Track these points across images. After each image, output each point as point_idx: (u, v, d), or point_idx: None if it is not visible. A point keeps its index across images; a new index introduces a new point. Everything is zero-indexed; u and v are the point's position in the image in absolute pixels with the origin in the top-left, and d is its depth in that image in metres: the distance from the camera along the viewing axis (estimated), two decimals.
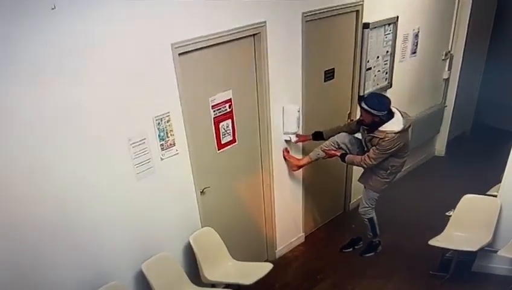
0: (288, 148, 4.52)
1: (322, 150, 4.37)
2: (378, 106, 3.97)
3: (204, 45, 3.44)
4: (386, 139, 4.01)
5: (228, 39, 3.58)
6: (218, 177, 4.03)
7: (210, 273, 3.79)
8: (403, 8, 5.20)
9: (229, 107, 3.87)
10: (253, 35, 3.80)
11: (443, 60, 6.27)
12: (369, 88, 5.13)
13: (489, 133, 7.11)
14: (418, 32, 5.59)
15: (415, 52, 5.68)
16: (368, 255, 4.88)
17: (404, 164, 4.43)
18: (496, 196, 4.25)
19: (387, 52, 5.22)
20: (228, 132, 3.95)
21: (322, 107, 4.75)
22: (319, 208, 5.33)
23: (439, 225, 4.38)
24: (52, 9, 2.56)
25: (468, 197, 4.34)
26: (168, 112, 3.38)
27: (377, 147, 4.08)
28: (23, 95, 2.60)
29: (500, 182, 4.21)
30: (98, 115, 2.99)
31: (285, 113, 4.30)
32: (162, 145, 3.41)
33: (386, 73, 5.34)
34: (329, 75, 4.71)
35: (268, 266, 3.85)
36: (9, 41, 2.47)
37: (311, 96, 4.52)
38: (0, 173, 2.63)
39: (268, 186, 4.50)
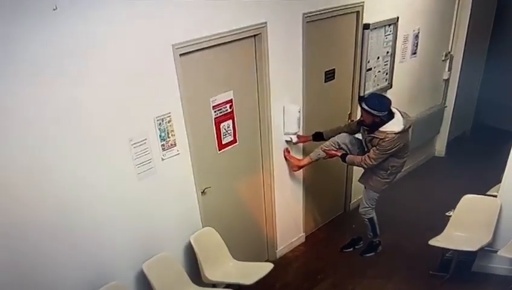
0: (289, 149, 4.53)
1: (323, 150, 4.38)
2: (378, 107, 3.98)
3: (205, 46, 3.45)
4: (386, 139, 4.02)
5: (229, 40, 3.59)
6: (219, 177, 4.04)
7: (211, 273, 3.80)
8: (403, 9, 5.21)
9: (230, 108, 3.88)
10: (254, 36, 3.81)
11: (443, 60, 6.28)
12: (370, 89, 5.13)
13: (489, 134, 7.12)
14: (418, 33, 5.60)
15: (415, 53, 5.69)
16: (368, 255, 4.88)
17: (404, 164, 4.44)
18: (495, 196, 4.26)
19: (388, 52, 5.23)
20: (229, 132, 3.96)
21: (322, 108, 4.76)
22: (320, 208, 5.34)
23: (439, 225, 4.38)
24: (54, 10, 2.57)
25: (468, 197, 4.34)
26: (169, 113, 3.39)
27: (377, 147, 4.09)
28: (23, 95, 2.61)
29: (500, 182, 4.21)
30: (99, 115, 3.00)
31: (286, 114, 4.31)
32: (163, 145, 3.42)
33: (386, 73, 5.35)
34: (329, 75, 4.72)
35: (269, 266, 3.86)
36: (10, 41, 2.48)
37: (311, 97, 4.53)
38: (0, 173, 2.63)
39: (269, 187, 4.51)
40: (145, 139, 3.29)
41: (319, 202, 5.25)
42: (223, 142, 3.95)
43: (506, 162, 4.06)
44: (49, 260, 3.00)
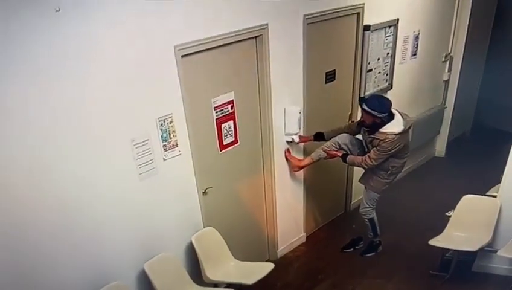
0: (290, 149, 4.55)
1: (324, 151, 4.39)
2: (379, 108, 4.00)
3: (207, 47, 3.46)
4: (387, 140, 4.04)
5: (230, 41, 3.61)
6: (220, 177, 4.05)
7: (212, 273, 3.81)
8: (403, 10, 5.23)
9: (231, 109, 3.90)
10: (255, 37, 3.82)
11: (443, 61, 6.30)
12: (370, 90, 5.15)
13: (489, 134, 7.13)
14: (418, 34, 5.62)
15: (415, 54, 5.71)
16: (368, 255, 4.90)
17: (404, 165, 4.46)
18: (495, 196, 4.27)
19: (388, 54, 5.25)
20: (230, 133, 3.98)
21: (323, 109, 4.78)
22: (320, 209, 5.35)
23: (439, 225, 4.40)
24: (57, 11, 2.58)
25: (468, 198, 4.36)
26: (171, 113, 3.40)
27: (378, 148, 4.10)
28: (23, 95, 2.61)
29: (499, 182, 4.23)
30: (100, 116, 3.00)
31: (287, 115, 4.33)
32: (164, 146, 3.44)
33: (387, 75, 5.37)
34: (330, 76, 4.73)
35: (270, 266, 3.86)
36: (11, 42, 2.48)
37: (312, 98, 4.55)
38: (0, 173, 2.64)
39: (270, 187, 4.52)
40: (147, 139, 3.30)
41: (319, 202, 5.26)
42: (224, 143, 3.96)
43: (505, 162, 4.08)
44: (49, 260, 2.99)
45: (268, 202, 4.61)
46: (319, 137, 4.49)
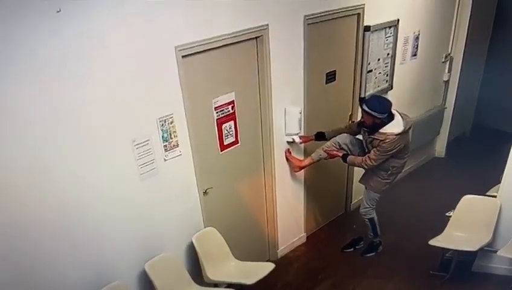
0: (291, 149, 4.56)
1: (324, 151, 4.40)
2: (379, 108, 4.01)
3: (208, 48, 3.47)
4: (387, 141, 4.05)
5: (231, 42, 3.62)
6: (220, 178, 4.06)
7: (212, 273, 3.81)
8: (404, 11, 5.24)
9: (232, 109, 3.91)
10: (256, 38, 3.83)
11: (443, 62, 6.32)
12: (370, 90, 5.16)
13: (488, 134, 7.14)
14: (419, 35, 5.63)
15: (415, 55, 5.72)
16: (368, 255, 4.90)
17: (404, 165, 4.46)
18: (495, 196, 4.28)
19: (388, 54, 5.26)
20: (231, 133, 3.99)
21: (323, 109, 4.79)
22: (321, 209, 5.36)
23: (439, 225, 4.40)
24: (58, 12, 2.59)
25: (468, 198, 4.36)
26: (172, 114, 3.41)
27: (378, 148, 4.11)
28: (23, 95, 2.61)
29: (499, 182, 4.23)
30: (102, 116, 3.01)
31: (287, 115, 4.34)
32: (165, 146, 3.45)
33: (387, 75, 5.38)
34: (330, 77, 4.74)
35: (270, 266, 3.87)
36: (11, 42, 2.48)
37: (312, 98, 4.56)
38: (0, 173, 2.64)
39: (270, 187, 4.53)
40: (148, 140, 3.31)
41: (320, 202, 5.27)
42: (225, 143, 3.97)
43: (505, 162, 4.08)
44: (50, 260, 2.99)
45: (268, 202, 4.62)
46: (320, 137, 4.50)
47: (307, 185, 4.94)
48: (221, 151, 3.98)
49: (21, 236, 2.81)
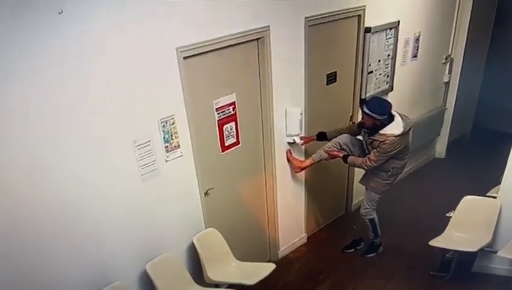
0: (292, 150, 4.57)
1: (325, 151, 4.42)
2: (379, 110, 4.02)
3: (209, 49, 3.48)
4: (387, 142, 4.06)
5: (232, 43, 3.63)
6: (221, 178, 4.07)
7: (213, 273, 3.82)
8: (404, 12, 5.25)
9: (233, 110, 3.92)
10: (257, 39, 3.84)
11: (443, 63, 6.32)
12: (371, 91, 5.17)
13: (489, 135, 7.13)
14: (419, 36, 5.64)
15: (415, 56, 5.73)
16: (369, 255, 4.91)
17: (405, 166, 4.48)
18: (495, 197, 4.29)
19: (389, 55, 5.27)
20: (232, 134, 4.00)
21: (324, 110, 4.80)
22: (321, 209, 5.37)
23: (440, 225, 4.41)
24: (60, 13, 2.60)
25: (468, 199, 4.37)
26: (173, 115, 3.42)
27: (378, 149, 4.13)
28: (23, 95, 2.61)
29: (499, 183, 4.24)
30: (103, 117, 3.02)
31: (288, 116, 4.35)
32: (166, 147, 3.46)
33: (388, 76, 5.38)
34: (331, 78, 4.76)
35: (271, 267, 3.88)
36: (11, 41, 2.48)
37: (313, 99, 4.57)
38: (0, 173, 2.64)
39: (271, 188, 4.54)
40: (149, 141, 3.32)
41: (320, 203, 5.28)
42: (226, 144, 3.99)
43: (505, 163, 4.09)
44: (50, 260, 3.00)
45: (269, 203, 4.63)
46: (322, 137, 4.52)
47: (308, 185, 4.95)
48: (222, 152, 3.99)
49: (21, 236, 2.81)
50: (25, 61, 2.57)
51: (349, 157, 4.35)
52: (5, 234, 2.73)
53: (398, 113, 4.14)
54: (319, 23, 4.27)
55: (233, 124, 3.97)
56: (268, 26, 3.84)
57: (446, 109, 6.65)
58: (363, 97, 5.07)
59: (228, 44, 3.60)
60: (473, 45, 6.37)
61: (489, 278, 4.35)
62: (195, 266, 3.86)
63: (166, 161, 3.49)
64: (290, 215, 4.89)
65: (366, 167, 4.31)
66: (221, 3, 3.44)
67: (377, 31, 4.92)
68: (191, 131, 3.58)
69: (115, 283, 3.31)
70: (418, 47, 5.68)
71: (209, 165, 3.88)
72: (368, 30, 4.81)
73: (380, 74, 5.26)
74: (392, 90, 5.49)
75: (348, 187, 5.62)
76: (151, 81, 3.22)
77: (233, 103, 3.91)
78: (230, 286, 3.87)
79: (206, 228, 3.96)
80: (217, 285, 3.87)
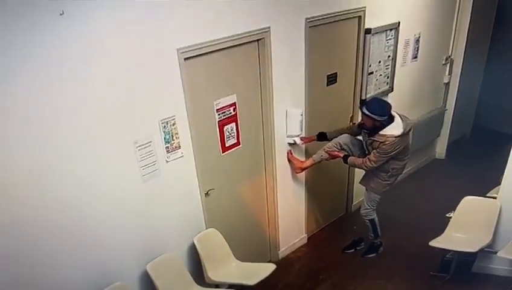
0: (292, 151, 4.58)
1: (325, 151, 4.42)
2: (378, 111, 4.03)
3: (210, 50, 3.49)
4: (387, 142, 4.07)
5: (233, 44, 3.64)
6: (222, 179, 4.08)
7: (214, 273, 3.83)
8: (404, 13, 5.26)
9: (234, 111, 3.93)
10: (258, 40, 3.85)
11: (443, 64, 6.33)
12: (371, 92, 5.18)
13: (489, 136, 7.14)
14: (419, 37, 5.65)
15: (416, 57, 5.74)
16: (369, 256, 4.92)
17: (405, 167, 4.49)
18: (495, 197, 4.29)
19: (389, 57, 5.28)
20: (232, 135, 4.01)
21: (324, 111, 4.81)
22: (322, 210, 5.37)
23: (440, 226, 4.41)
24: (61, 14, 2.61)
25: (468, 199, 4.38)
26: (174, 115, 3.43)
27: (378, 150, 4.13)
28: (23, 95, 2.61)
29: (499, 184, 4.24)
30: (103, 117, 3.02)
31: (289, 117, 4.36)
32: (167, 147, 3.46)
33: (388, 77, 5.39)
34: (331, 79, 4.76)
35: (272, 267, 3.88)
36: (12, 42, 2.48)
37: (314, 100, 4.58)
38: (0, 173, 2.63)
39: (272, 188, 4.54)
40: (150, 141, 3.33)
41: (321, 203, 5.29)
42: (227, 145, 3.99)
43: (505, 164, 4.10)
44: (50, 260, 2.99)
45: (270, 204, 4.64)
46: (322, 137, 4.53)
47: (308, 186, 4.95)
48: (223, 152, 3.99)
49: (21, 236, 2.81)
50: (26, 61, 2.57)
51: (350, 158, 4.36)
52: (5, 234, 2.73)
53: (398, 114, 4.15)
54: (319, 24, 4.28)
55: (233, 124, 3.98)
56: (269, 27, 3.85)
57: (446, 109, 6.65)
58: (363, 98, 5.09)
59: (229, 45, 3.61)
60: (473, 46, 6.38)
61: (489, 279, 4.35)
62: (196, 267, 3.87)
63: (167, 161, 3.50)
64: (290, 215, 4.89)
65: (366, 168, 4.31)
66: (221, 4, 3.45)
67: (377, 32, 4.93)
68: (192, 132, 3.59)
69: (116, 283, 3.31)
70: (418, 48, 5.69)
71: (209, 166, 3.88)
72: (368, 31, 4.81)
73: (380, 75, 5.26)
74: (392, 91, 5.50)
75: (348, 188, 5.63)
76: (152, 82, 3.23)
77: (234, 104, 3.91)
78: (230, 286, 3.87)
79: (206, 228, 3.96)
80: (217, 285, 3.87)
